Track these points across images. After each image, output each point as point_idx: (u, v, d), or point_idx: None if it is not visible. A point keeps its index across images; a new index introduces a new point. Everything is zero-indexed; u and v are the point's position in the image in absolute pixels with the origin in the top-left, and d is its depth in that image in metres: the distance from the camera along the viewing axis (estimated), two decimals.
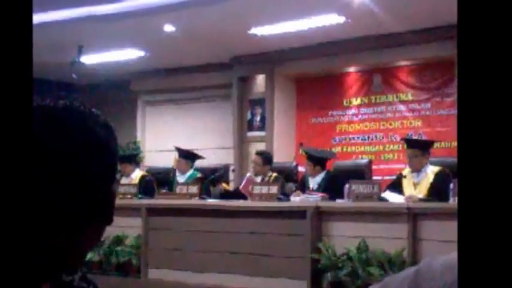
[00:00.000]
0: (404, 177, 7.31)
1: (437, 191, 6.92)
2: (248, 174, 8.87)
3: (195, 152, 9.46)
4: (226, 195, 8.35)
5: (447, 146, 9.81)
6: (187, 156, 9.31)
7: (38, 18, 8.91)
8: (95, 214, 1.05)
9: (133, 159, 9.96)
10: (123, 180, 9.18)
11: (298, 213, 6.89)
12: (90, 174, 1.03)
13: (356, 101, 11.15)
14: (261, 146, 11.04)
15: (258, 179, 8.60)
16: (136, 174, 9.40)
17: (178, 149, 9.40)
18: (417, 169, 7.24)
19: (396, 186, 7.32)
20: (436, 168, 7.19)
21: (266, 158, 8.80)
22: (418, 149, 7.35)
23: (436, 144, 9.43)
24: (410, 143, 7.68)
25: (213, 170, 9.24)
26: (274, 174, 8.61)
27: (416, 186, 7.19)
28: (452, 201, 6.27)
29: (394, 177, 7.84)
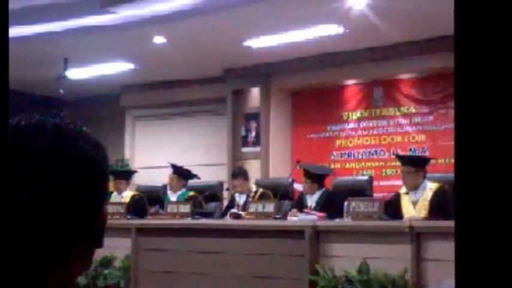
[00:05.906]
0: (407, 193, 7.11)
1: (438, 209, 6.76)
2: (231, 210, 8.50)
3: (188, 169, 9.24)
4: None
5: (451, 162, 9.59)
6: (181, 173, 9.11)
7: (22, 31, 8.99)
8: (85, 237, 1.03)
9: (129, 177, 9.78)
10: (115, 198, 9.03)
11: (296, 233, 6.74)
12: (80, 196, 1.01)
13: (356, 115, 11.01)
14: (256, 163, 11.06)
15: (242, 199, 8.44)
16: (127, 193, 9.23)
17: (173, 165, 9.18)
18: (412, 187, 7.04)
19: (393, 205, 7.10)
20: (434, 185, 7.00)
21: (244, 174, 8.74)
22: (412, 166, 7.12)
23: (440, 160, 9.20)
24: (404, 159, 7.50)
25: (206, 188, 9.10)
26: (260, 190, 8.46)
27: (415, 205, 7.00)
28: None
29: None
